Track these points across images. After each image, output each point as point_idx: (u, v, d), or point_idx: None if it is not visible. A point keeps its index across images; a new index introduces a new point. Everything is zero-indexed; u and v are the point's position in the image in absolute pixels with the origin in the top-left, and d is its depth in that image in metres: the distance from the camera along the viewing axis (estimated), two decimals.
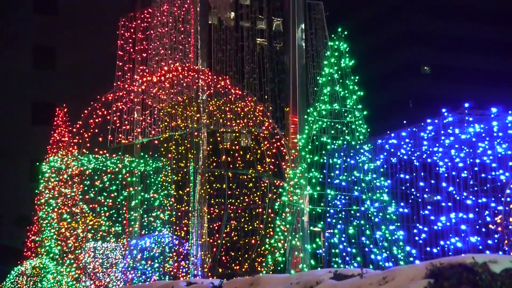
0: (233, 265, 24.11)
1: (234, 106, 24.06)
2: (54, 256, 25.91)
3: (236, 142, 28.22)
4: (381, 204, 19.85)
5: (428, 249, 20.74)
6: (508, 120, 17.31)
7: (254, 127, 24.14)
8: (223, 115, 24.69)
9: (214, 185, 24.50)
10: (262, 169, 23.02)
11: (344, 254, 19.72)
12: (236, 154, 24.16)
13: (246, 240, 23.81)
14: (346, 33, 21.01)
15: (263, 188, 23.15)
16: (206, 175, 24.53)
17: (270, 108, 29.19)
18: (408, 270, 7.77)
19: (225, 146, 23.77)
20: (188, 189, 24.26)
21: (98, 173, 23.94)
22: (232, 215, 23.88)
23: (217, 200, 24.49)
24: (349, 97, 20.46)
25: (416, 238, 21.06)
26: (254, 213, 23.79)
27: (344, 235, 19.93)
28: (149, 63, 28.98)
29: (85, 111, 23.56)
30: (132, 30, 29.87)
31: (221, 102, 24.52)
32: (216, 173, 24.16)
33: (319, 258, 20.92)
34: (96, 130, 23.15)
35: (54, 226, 25.90)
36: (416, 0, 73.31)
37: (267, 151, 22.87)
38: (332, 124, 20.76)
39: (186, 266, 22.59)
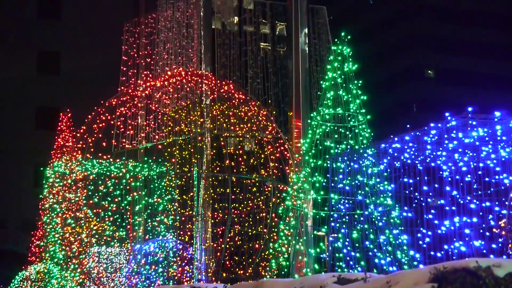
0: (237, 269, 24.09)
1: (237, 111, 24.08)
2: (58, 261, 25.94)
3: (239, 147, 28.22)
4: (384, 208, 19.84)
5: (432, 253, 20.75)
6: None
7: (258, 132, 24.16)
8: (226, 120, 24.71)
9: (218, 190, 24.50)
10: (265, 174, 23.02)
11: (348, 258, 19.72)
12: (240, 159, 24.17)
13: (250, 245, 23.80)
14: (349, 37, 21.03)
15: (266, 192, 23.15)
16: (210, 179, 24.54)
17: (274, 112, 29.21)
18: (412, 274, 7.77)
19: (228, 151, 23.76)
20: (192, 194, 24.27)
21: (102, 178, 23.97)
22: (236, 219, 23.88)
23: (221, 204, 24.50)
24: (352, 102, 20.47)
25: (420, 242, 21.06)
26: (258, 217, 23.78)
27: (348, 240, 19.93)
28: (153, 68, 29.05)
29: (89, 116, 23.60)
30: (136, 35, 29.95)
31: (225, 107, 24.54)
32: (220, 178, 24.16)
33: (323, 263, 20.92)
34: (100, 135, 23.17)
35: (58, 231, 25.94)
36: (420, 4, 73.30)
37: (271, 155, 22.87)
38: (336, 128, 20.78)
39: (190, 270, 22.59)
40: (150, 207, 26.11)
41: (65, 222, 25.04)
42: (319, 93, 27.26)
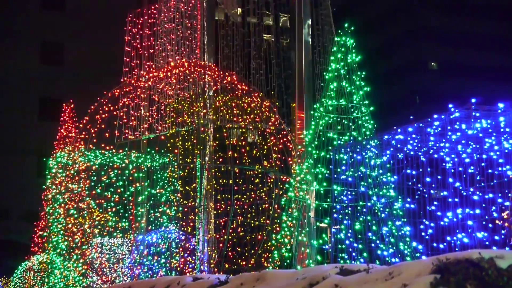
0: (239, 260, 24.12)
1: (240, 102, 24.05)
2: (61, 252, 25.99)
3: (242, 138, 28.19)
4: (387, 199, 19.82)
5: (434, 244, 20.71)
6: None
7: (261, 123, 24.14)
8: (229, 111, 24.68)
9: (220, 181, 24.51)
10: (268, 165, 23.01)
11: (350, 249, 19.71)
12: (243, 150, 24.15)
13: (253, 236, 23.82)
14: (353, 28, 20.97)
15: (269, 183, 23.14)
16: (213, 170, 24.54)
17: (277, 103, 29.18)
18: (415, 265, 7.76)
19: (231, 142, 23.75)
20: (194, 185, 24.28)
21: (105, 168, 23.98)
22: (238, 210, 23.89)
23: (223, 195, 24.51)
24: (355, 93, 20.43)
25: (423, 233, 21.02)
26: (260, 208, 23.79)
27: (350, 231, 19.92)
28: (156, 58, 29.01)
29: (92, 107, 23.60)
30: (139, 26, 29.89)
31: (228, 98, 24.51)
32: (222, 169, 24.17)
33: (326, 254, 20.92)
34: (103, 126, 23.18)
35: (61, 221, 25.98)
36: None
37: (274, 146, 22.86)
38: (339, 119, 20.74)
39: (193, 261, 22.62)
40: (152, 198, 26.13)
41: (68, 213, 25.08)
42: (322, 84, 27.21)
